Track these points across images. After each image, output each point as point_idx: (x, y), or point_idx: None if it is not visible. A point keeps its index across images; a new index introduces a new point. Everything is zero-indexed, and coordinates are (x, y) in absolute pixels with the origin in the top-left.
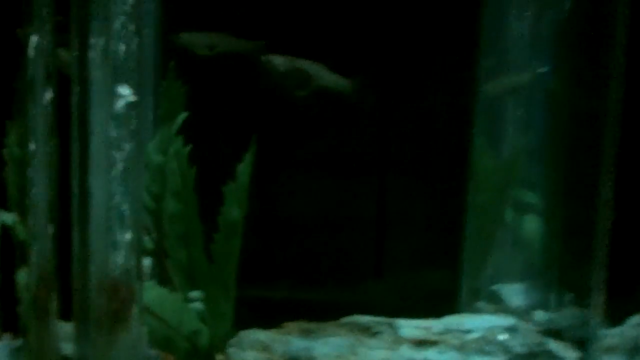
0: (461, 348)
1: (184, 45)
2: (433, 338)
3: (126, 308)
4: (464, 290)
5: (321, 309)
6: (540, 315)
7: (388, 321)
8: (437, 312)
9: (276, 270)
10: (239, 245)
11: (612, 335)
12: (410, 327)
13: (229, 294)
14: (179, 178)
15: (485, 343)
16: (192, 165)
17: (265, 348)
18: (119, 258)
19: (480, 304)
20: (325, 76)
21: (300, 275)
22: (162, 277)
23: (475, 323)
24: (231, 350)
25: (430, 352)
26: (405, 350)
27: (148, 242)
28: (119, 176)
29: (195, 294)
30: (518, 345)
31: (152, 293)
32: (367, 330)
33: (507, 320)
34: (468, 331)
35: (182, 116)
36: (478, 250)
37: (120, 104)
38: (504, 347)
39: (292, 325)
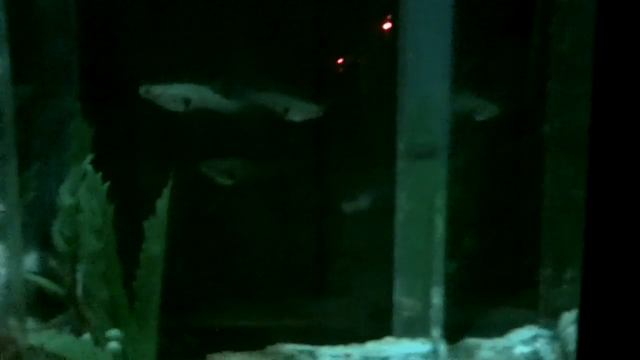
0: None
1: (154, 100)
2: None
3: None
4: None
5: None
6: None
7: (310, 349)
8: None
9: (210, 297)
10: (160, 280)
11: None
12: (329, 356)
13: (151, 331)
14: (99, 216)
15: None
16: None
17: None
18: None
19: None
20: (208, 96)
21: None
22: (77, 320)
23: (394, 349)
24: None
25: None
26: None
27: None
28: None
29: (113, 332)
30: None
31: (57, 341)
32: (290, 359)
33: (425, 347)
34: (385, 358)
35: (90, 157)
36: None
37: None
38: None
39: (216, 357)
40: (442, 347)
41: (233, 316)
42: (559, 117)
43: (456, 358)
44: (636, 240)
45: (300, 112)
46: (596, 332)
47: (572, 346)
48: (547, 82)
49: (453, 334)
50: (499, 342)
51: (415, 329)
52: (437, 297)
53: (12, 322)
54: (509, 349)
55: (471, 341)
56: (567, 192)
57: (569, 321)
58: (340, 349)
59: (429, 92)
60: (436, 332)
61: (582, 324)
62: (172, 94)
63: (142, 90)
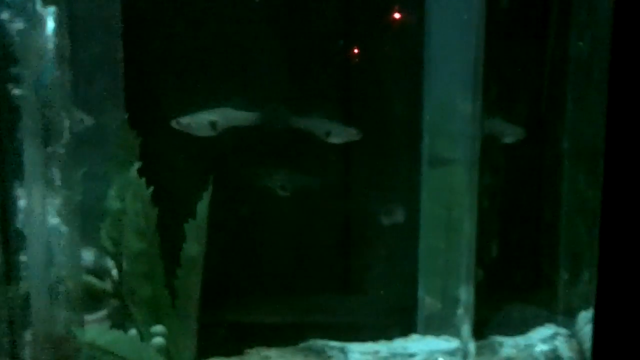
0: None
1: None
2: None
3: None
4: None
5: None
6: None
7: (341, 346)
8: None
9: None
10: (199, 279)
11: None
12: (358, 352)
13: (191, 327)
14: (142, 218)
15: None
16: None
17: None
18: None
19: None
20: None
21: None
22: (123, 316)
23: (420, 346)
24: None
25: None
26: None
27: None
28: None
29: (157, 328)
30: None
31: (107, 337)
32: (320, 355)
33: (449, 344)
34: (411, 355)
35: (137, 165)
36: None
37: None
38: None
39: (252, 352)
40: (471, 345)
41: (267, 313)
42: (576, 127)
43: (482, 355)
44: None
45: (340, 135)
46: (611, 330)
47: (588, 344)
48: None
49: (478, 332)
50: (521, 340)
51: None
52: (465, 295)
53: (67, 316)
54: (530, 347)
55: (495, 339)
56: (582, 196)
57: (585, 320)
58: (369, 346)
59: (451, 105)
60: (465, 330)
61: (597, 322)
62: (199, 121)
63: (173, 122)
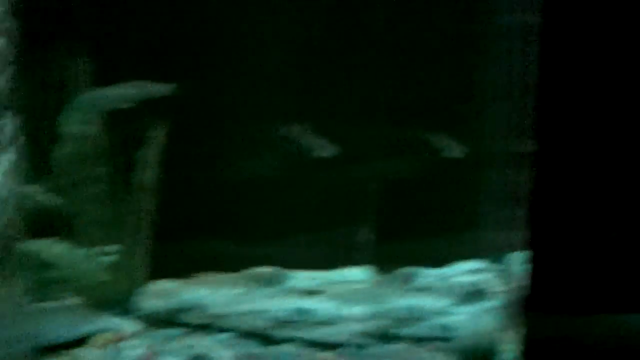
0: None
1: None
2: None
3: None
4: None
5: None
6: None
7: (285, 273)
8: None
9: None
10: (151, 204)
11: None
12: (301, 278)
13: (141, 249)
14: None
15: None
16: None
17: (167, 296)
18: None
19: None
20: None
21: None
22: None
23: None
24: (138, 298)
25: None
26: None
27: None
28: None
29: (108, 248)
30: None
31: (53, 249)
32: (265, 281)
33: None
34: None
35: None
36: None
37: None
38: None
39: (200, 276)
40: None
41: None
42: None
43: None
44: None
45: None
46: (545, 271)
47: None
48: None
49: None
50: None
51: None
52: None
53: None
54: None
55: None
56: None
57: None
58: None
59: None
60: None
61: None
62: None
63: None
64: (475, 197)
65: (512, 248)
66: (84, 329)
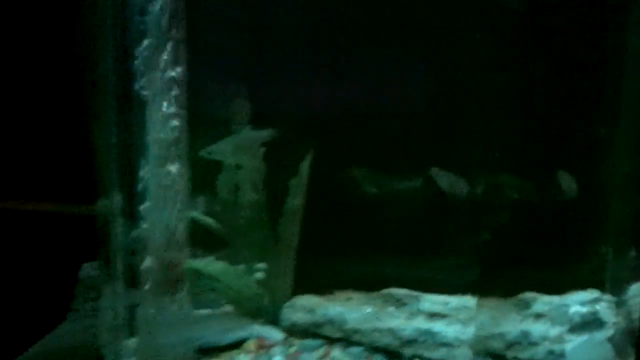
0: None
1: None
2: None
3: None
4: None
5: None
6: None
7: (416, 295)
8: None
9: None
10: (298, 229)
11: None
12: (430, 301)
13: (289, 267)
14: (256, 174)
15: None
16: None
17: (310, 310)
18: None
19: None
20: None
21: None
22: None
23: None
24: (285, 311)
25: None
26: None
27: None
28: None
29: (260, 266)
30: None
31: (215, 266)
32: (397, 302)
33: None
34: None
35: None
36: None
37: None
38: None
39: (340, 294)
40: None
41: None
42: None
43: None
44: None
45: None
46: None
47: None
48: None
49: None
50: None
51: None
52: None
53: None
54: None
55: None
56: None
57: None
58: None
59: None
60: None
61: None
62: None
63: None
64: (598, 228)
65: (632, 279)
66: (238, 334)
